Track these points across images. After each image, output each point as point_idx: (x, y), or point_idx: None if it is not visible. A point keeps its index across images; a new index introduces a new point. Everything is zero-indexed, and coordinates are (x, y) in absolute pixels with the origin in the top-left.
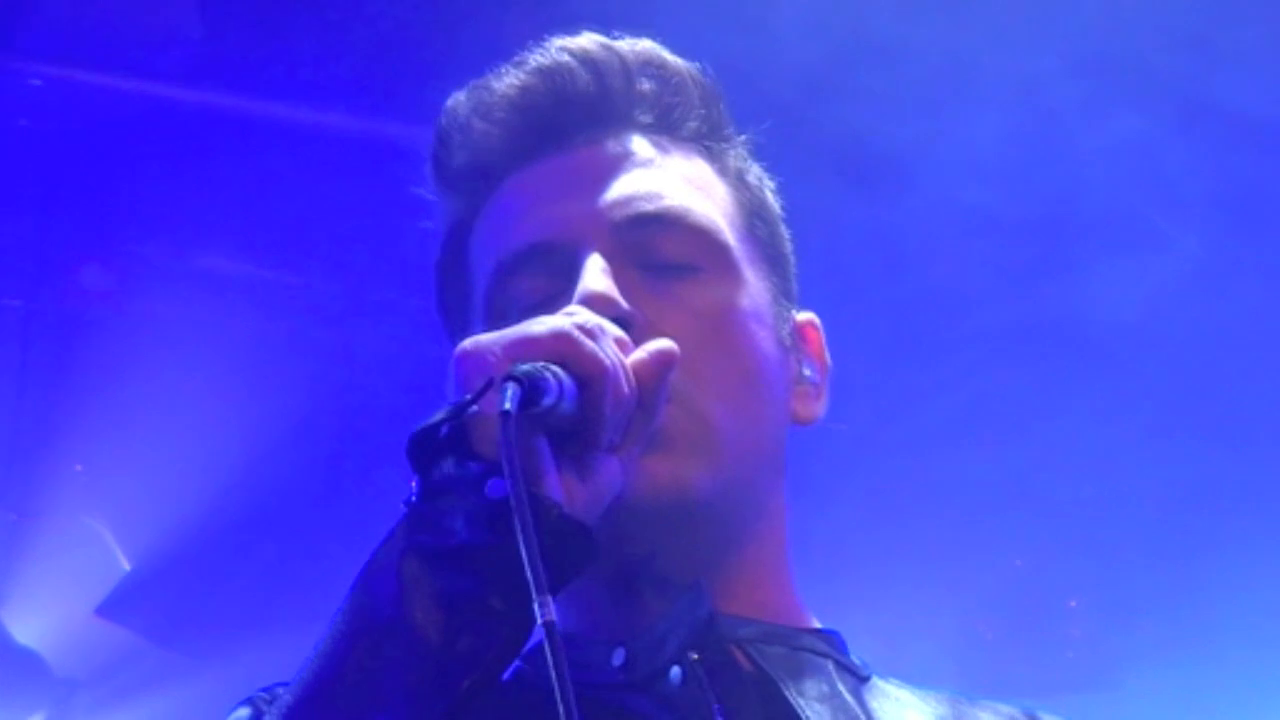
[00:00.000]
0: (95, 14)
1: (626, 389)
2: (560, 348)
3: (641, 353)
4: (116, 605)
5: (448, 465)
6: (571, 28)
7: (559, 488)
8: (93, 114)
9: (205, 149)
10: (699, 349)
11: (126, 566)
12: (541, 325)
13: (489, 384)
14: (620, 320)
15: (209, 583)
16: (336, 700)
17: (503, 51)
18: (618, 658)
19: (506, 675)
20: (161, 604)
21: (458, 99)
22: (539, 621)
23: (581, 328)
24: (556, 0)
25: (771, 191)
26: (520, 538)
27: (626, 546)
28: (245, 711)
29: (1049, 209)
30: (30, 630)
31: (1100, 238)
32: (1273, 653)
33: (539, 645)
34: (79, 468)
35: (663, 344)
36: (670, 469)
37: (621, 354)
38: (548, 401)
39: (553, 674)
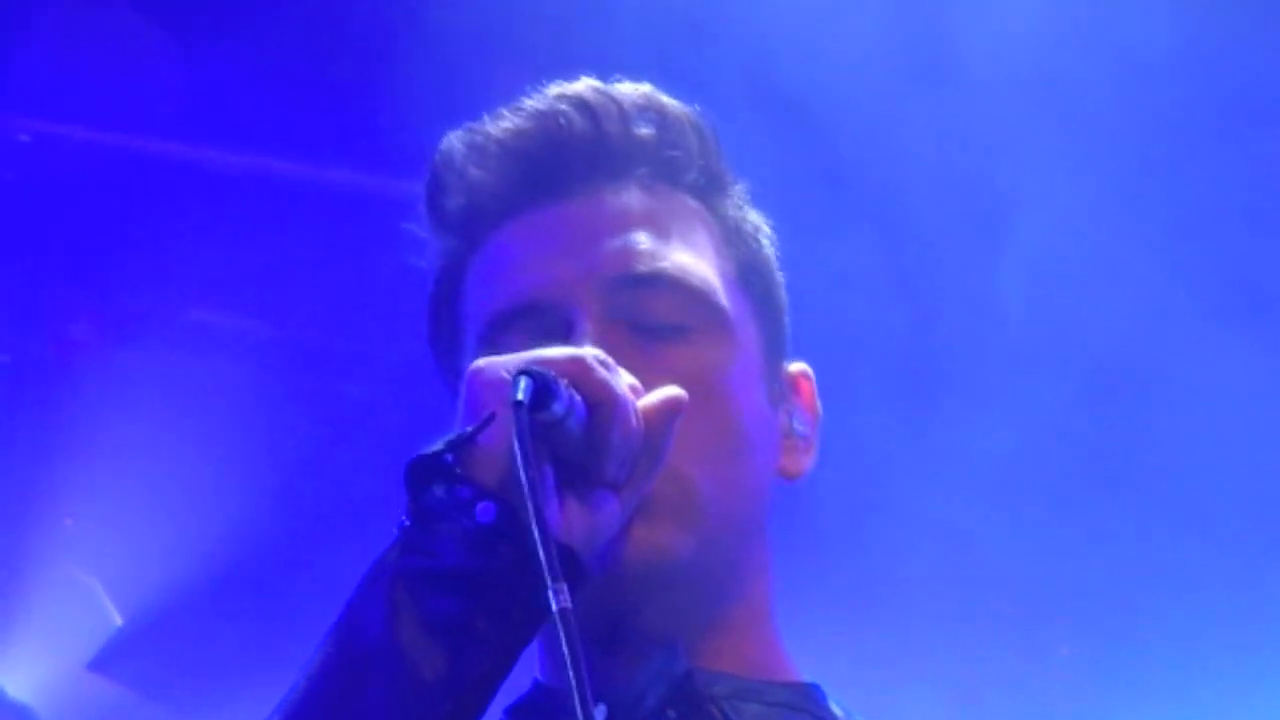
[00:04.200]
0: (81, 68)
1: (634, 423)
2: (574, 370)
3: (651, 397)
4: (109, 660)
5: (439, 490)
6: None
7: (559, 516)
8: (80, 168)
9: (192, 202)
10: (685, 414)
11: (119, 620)
12: (557, 350)
13: (491, 416)
14: None
15: (202, 637)
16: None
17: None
18: (599, 715)
19: None
20: (154, 658)
21: (451, 141)
22: (553, 609)
23: (595, 358)
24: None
25: (767, 238)
26: (534, 526)
27: (605, 605)
28: None
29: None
30: (22, 685)
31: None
32: (1268, 699)
33: (524, 701)
34: (69, 521)
35: (672, 390)
36: (652, 535)
37: (631, 393)
38: (558, 409)
39: (568, 661)
